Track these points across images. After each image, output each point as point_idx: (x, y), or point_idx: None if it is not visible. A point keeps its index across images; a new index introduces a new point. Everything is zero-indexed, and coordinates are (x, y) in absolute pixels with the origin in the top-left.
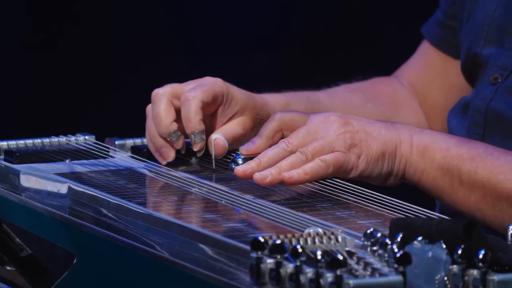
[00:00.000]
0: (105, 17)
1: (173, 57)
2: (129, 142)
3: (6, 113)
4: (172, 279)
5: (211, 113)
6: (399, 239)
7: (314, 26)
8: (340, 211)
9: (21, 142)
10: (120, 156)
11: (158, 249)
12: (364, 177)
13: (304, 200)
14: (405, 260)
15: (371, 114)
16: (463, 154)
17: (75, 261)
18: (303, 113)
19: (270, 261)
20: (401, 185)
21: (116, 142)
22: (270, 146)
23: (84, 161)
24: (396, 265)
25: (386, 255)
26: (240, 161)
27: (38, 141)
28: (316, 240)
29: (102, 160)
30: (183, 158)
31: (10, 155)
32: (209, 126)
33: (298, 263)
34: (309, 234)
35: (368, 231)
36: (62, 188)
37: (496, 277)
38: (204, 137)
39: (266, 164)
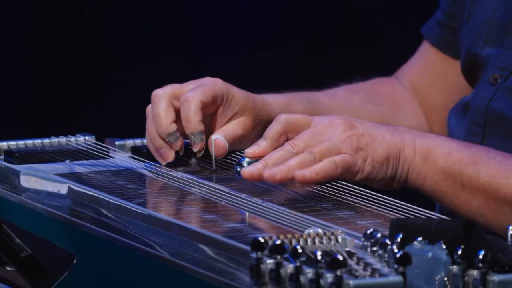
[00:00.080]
0: (105, 17)
1: (173, 57)
2: (129, 142)
3: (6, 113)
4: (172, 280)
5: (211, 114)
6: (399, 240)
7: (314, 26)
8: (340, 212)
9: (21, 143)
10: (120, 157)
11: (158, 250)
12: (369, 180)
13: (304, 201)
14: (405, 260)
15: (372, 114)
16: (465, 159)
17: (75, 261)
18: (308, 116)
19: (270, 261)
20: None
21: (116, 143)
22: (275, 149)
23: (84, 161)
24: (396, 266)
25: (386, 255)
26: (245, 163)
27: (38, 141)
28: (316, 240)
29: (102, 160)
30: (183, 159)
31: (10, 155)
32: (209, 126)
33: (298, 264)
34: (309, 235)
35: (368, 232)
36: (62, 189)
37: (496, 277)
38: (204, 137)
39: (272, 166)
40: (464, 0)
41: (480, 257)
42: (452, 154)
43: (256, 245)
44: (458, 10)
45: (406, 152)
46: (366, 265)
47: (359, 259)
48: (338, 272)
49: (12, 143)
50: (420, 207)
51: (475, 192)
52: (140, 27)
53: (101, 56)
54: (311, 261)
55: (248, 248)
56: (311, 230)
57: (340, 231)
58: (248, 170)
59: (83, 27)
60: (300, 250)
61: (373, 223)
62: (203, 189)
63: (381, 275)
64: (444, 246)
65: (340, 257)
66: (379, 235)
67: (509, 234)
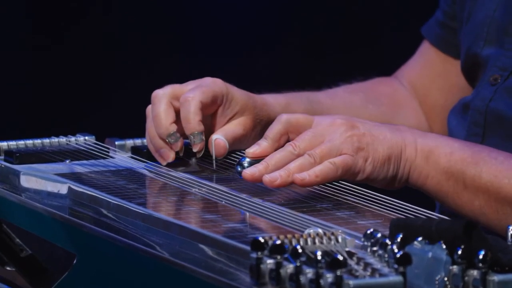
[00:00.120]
0: (105, 17)
1: (173, 57)
2: (129, 142)
3: (6, 113)
4: (172, 280)
5: (211, 114)
6: (399, 240)
7: (314, 26)
8: (340, 212)
9: (21, 143)
10: (120, 157)
11: (158, 250)
12: (370, 180)
13: (304, 201)
14: (405, 260)
15: (372, 114)
16: (467, 158)
17: (75, 261)
18: (309, 116)
19: (270, 261)
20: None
21: (116, 143)
22: (276, 149)
23: (84, 161)
24: (396, 266)
25: (386, 255)
26: (246, 163)
27: (38, 141)
28: (316, 240)
29: (102, 160)
30: (183, 159)
31: (10, 155)
32: (209, 126)
33: (298, 264)
34: (309, 235)
35: (368, 232)
36: (62, 189)
37: (496, 277)
38: (204, 138)
39: (273, 167)
40: (464, 0)
41: (480, 257)
42: (454, 154)
43: (256, 245)
44: (458, 10)
45: (407, 152)
46: (366, 265)
47: (359, 259)
48: (338, 272)
49: (12, 143)
50: (420, 207)
51: (477, 192)
52: (140, 27)
53: (101, 56)
54: (311, 261)
55: (248, 248)
56: (311, 230)
57: (340, 231)
58: (249, 171)
59: (83, 27)
60: (300, 250)
61: (373, 223)
62: (203, 189)
63: (381, 275)
64: (444, 246)
65: (340, 257)
66: (379, 235)
67: (509, 234)
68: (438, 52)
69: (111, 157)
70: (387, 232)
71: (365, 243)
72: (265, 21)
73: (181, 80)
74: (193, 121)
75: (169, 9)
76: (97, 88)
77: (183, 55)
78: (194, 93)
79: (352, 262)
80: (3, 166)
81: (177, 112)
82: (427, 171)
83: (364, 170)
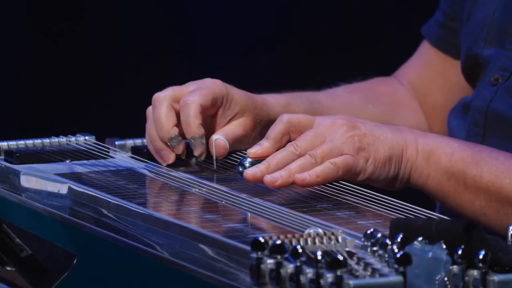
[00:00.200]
0: (105, 17)
1: (173, 57)
2: (129, 142)
3: (6, 113)
4: (172, 280)
5: (211, 115)
6: (399, 240)
7: (314, 26)
8: (340, 212)
9: (21, 143)
10: (120, 157)
11: (158, 250)
12: (371, 180)
13: (304, 201)
14: (405, 260)
15: (371, 114)
16: (467, 159)
17: (75, 261)
18: (310, 116)
19: (270, 261)
20: None
21: (116, 143)
22: (277, 149)
23: (84, 161)
24: (396, 266)
25: (386, 255)
26: (247, 164)
27: (38, 141)
28: (316, 240)
29: (102, 160)
30: (183, 159)
31: (10, 155)
32: (210, 127)
33: (298, 264)
34: (309, 235)
35: (368, 232)
36: (62, 189)
37: (496, 277)
38: (204, 141)
39: (274, 167)
40: (464, 0)
41: (480, 257)
42: (455, 154)
43: (256, 245)
44: (458, 11)
45: (408, 152)
46: (366, 265)
47: (359, 259)
48: (338, 272)
49: (12, 143)
50: (420, 207)
51: (478, 192)
52: (140, 27)
53: (101, 56)
54: (311, 261)
55: (248, 248)
56: (311, 230)
57: (340, 231)
58: (250, 171)
59: (83, 27)
60: (300, 250)
61: (373, 223)
62: (204, 189)
63: (381, 275)
64: (444, 246)
65: (340, 257)
66: (379, 235)
67: (509, 234)
68: (438, 52)
69: (111, 157)
70: (387, 232)
71: (365, 243)
72: (265, 21)
73: (181, 80)
74: (193, 125)
75: (169, 9)
76: (97, 88)
77: (183, 55)
78: (193, 96)
79: (352, 262)
80: (3, 166)
81: (178, 115)
82: (428, 171)
83: (365, 170)
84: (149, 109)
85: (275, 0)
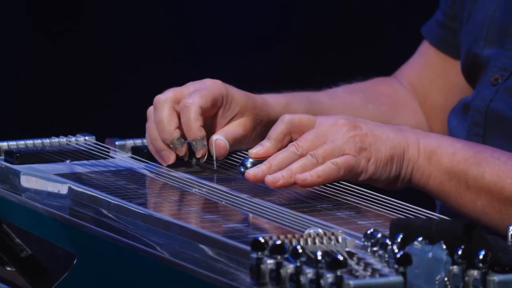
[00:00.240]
0: (105, 17)
1: (173, 57)
2: (129, 142)
3: (6, 113)
4: (172, 280)
5: (211, 115)
6: (399, 240)
7: (314, 26)
8: (341, 212)
9: (21, 143)
10: (120, 157)
11: (158, 250)
12: (372, 180)
13: (304, 201)
14: (405, 260)
15: (371, 114)
16: (469, 159)
17: (75, 261)
18: (312, 116)
19: (270, 261)
20: None
21: (116, 143)
22: (279, 149)
23: (84, 161)
24: (396, 266)
25: (386, 255)
26: (248, 164)
27: (38, 141)
28: (317, 240)
29: (102, 160)
30: (183, 159)
31: (10, 155)
32: (210, 127)
33: (298, 264)
34: (310, 235)
35: (369, 232)
36: (62, 189)
37: (496, 277)
38: (205, 143)
39: (276, 167)
40: (464, 0)
41: (480, 257)
42: (457, 154)
43: (257, 245)
44: (458, 11)
45: (410, 152)
46: (367, 265)
47: (360, 259)
48: (339, 272)
49: (12, 143)
50: (420, 207)
51: (479, 192)
52: (140, 27)
53: (101, 56)
54: (312, 261)
55: (248, 248)
56: (312, 230)
57: (340, 231)
58: (252, 172)
59: (83, 27)
60: (300, 250)
61: (373, 223)
62: (204, 189)
63: (381, 275)
64: (444, 246)
65: (341, 257)
66: (379, 235)
67: (510, 234)
68: (438, 52)
69: (111, 157)
70: (387, 232)
71: (365, 243)
72: (265, 21)
73: (181, 80)
74: (194, 128)
75: (169, 9)
76: (97, 88)
77: (183, 55)
78: (193, 98)
79: (352, 262)
80: (3, 166)
81: (179, 117)
82: (430, 171)
83: (367, 170)
84: (150, 109)
85: (275, 0)
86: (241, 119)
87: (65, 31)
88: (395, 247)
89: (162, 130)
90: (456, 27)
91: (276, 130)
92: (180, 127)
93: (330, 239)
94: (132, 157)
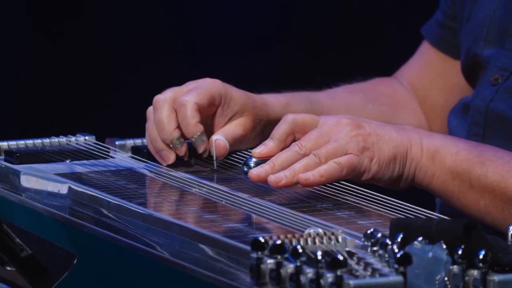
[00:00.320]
0: (105, 17)
1: (173, 57)
2: (129, 142)
3: (6, 113)
4: (172, 280)
5: (210, 115)
6: (399, 240)
7: (314, 26)
8: (341, 212)
9: (21, 143)
10: (120, 157)
11: (158, 250)
12: (375, 180)
13: (304, 200)
14: (405, 260)
15: (372, 114)
16: (473, 158)
17: (75, 261)
18: (315, 116)
19: (270, 261)
20: None
21: (116, 143)
22: (282, 149)
23: (84, 161)
24: (396, 266)
25: (386, 255)
26: (252, 164)
27: (38, 141)
28: (317, 240)
29: (102, 160)
30: (183, 159)
31: (10, 155)
32: (209, 127)
33: (298, 264)
34: (310, 235)
35: (369, 232)
36: (62, 189)
37: (496, 277)
38: (205, 138)
39: (279, 167)
40: (464, 1)
41: (481, 257)
42: (460, 153)
43: (257, 245)
44: (458, 11)
45: (413, 152)
46: (367, 265)
47: (360, 259)
48: (339, 272)
49: (12, 143)
50: (420, 207)
51: (483, 192)
52: (140, 27)
53: (101, 56)
54: (312, 261)
55: (248, 248)
56: (312, 230)
57: (340, 231)
58: (255, 171)
59: (83, 27)
60: (300, 250)
61: (373, 223)
62: (204, 189)
63: (381, 275)
64: (444, 246)
65: (341, 257)
66: (379, 235)
67: (510, 234)
68: (438, 53)
69: (111, 157)
70: (387, 232)
71: (365, 243)
72: (265, 21)
73: (181, 80)
74: (191, 124)
75: (169, 9)
76: (97, 88)
77: (183, 55)
78: (188, 96)
79: (352, 262)
80: (3, 166)
81: None
82: (433, 171)
83: (370, 169)
84: (149, 109)
85: (275, 0)
86: (240, 118)
87: (65, 31)
88: (395, 247)
89: (162, 130)
90: (456, 27)
91: (279, 130)
92: (179, 127)
93: (330, 239)
94: (132, 157)
